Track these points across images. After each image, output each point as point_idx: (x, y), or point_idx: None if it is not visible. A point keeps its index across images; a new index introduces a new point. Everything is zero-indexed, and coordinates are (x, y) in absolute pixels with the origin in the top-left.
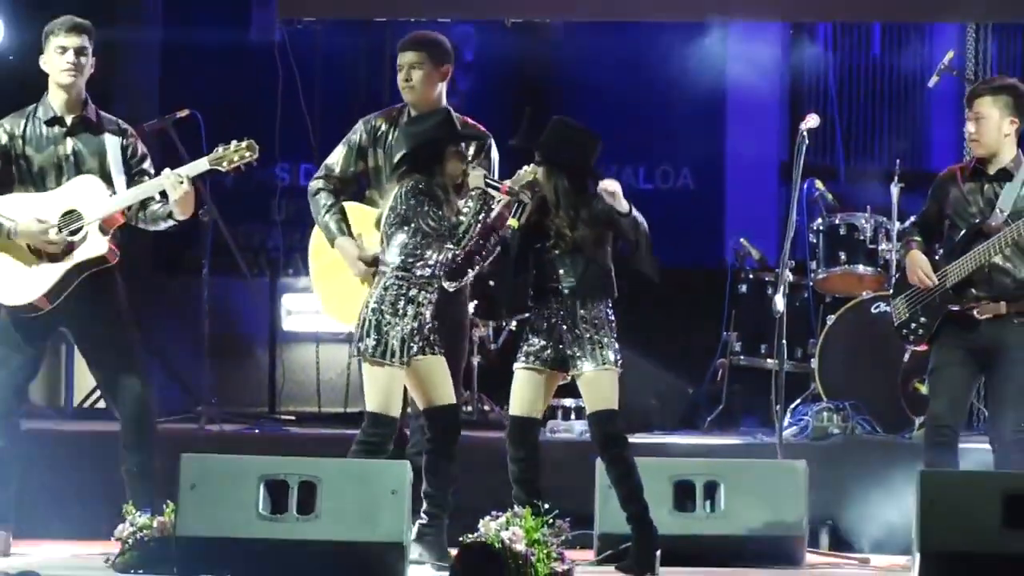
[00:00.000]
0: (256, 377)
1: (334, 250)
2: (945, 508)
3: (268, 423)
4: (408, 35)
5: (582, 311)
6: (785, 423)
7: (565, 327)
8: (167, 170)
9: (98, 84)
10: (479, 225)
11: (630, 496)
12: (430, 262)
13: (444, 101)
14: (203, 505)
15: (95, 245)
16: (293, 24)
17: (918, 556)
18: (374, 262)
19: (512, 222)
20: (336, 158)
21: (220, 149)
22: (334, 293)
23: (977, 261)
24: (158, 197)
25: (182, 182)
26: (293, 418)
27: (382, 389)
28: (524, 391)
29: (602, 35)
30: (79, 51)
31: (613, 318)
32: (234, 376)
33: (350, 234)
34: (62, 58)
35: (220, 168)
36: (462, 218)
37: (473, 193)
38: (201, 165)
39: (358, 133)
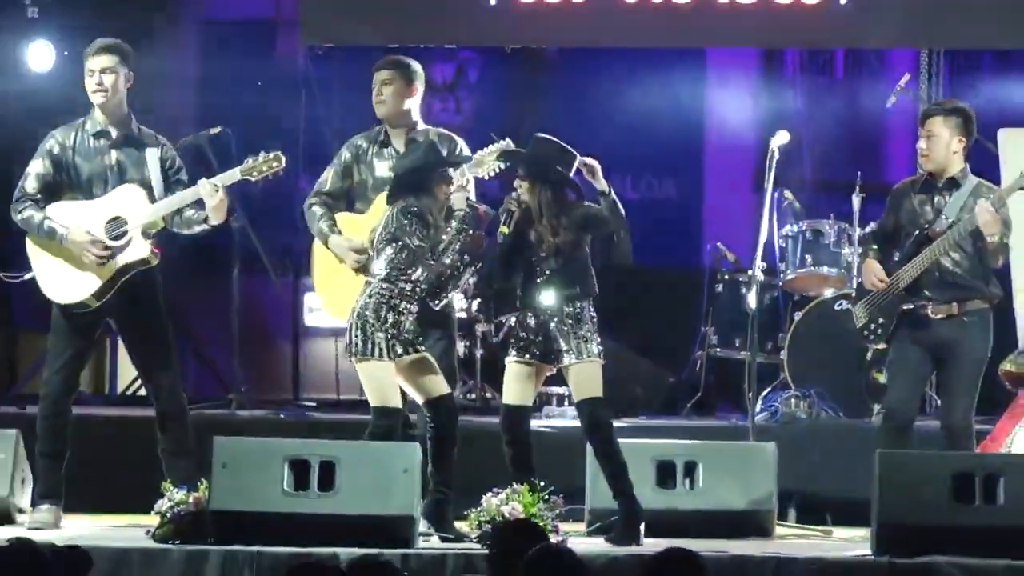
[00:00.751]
0: (281, 367)
1: (329, 253)
2: (900, 485)
3: (292, 409)
4: (383, 58)
5: (566, 308)
6: (757, 409)
7: (552, 324)
8: (203, 179)
9: (140, 100)
10: (459, 243)
11: (615, 475)
12: (413, 277)
13: (417, 118)
14: (234, 482)
15: (138, 249)
16: (315, 50)
17: (875, 527)
18: (364, 251)
19: (502, 228)
20: (326, 178)
21: (250, 160)
22: (335, 294)
23: (925, 263)
24: (193, 204)
25: (217, 190)
26: (314, 404)
27: (377, 384)
28: (514, 383)
29: (594, 60)
30: (105, 71)
31: (594, 314)
32: (261, 367)
33: (340, 234)
34: (91, 80)
35: (251, 177)
36: (443, 236)
37: (457, 213)
38: (234, 175)
39: (342, 154)
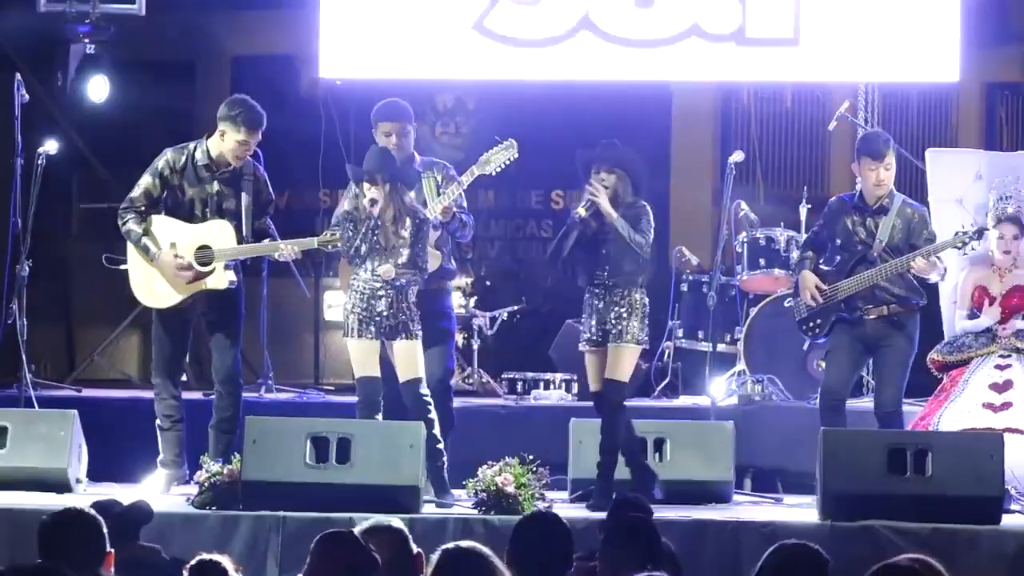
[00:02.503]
0: (304, 356)
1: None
2: (841, 458)
3: (313, 392)
4: (387, 106)
5: (615, 296)
6: (719, 390)
7: (603, 308)
8: (285, 243)
9: (185, 124)
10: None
11: (603, 448)
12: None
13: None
14: (262, 456)
15: (220, 279)
16: (332, 82)
17: (820, 495)
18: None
19: (580, 210)
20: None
21: (327, 234)
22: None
23: (863, 283)
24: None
25: (295, 254)
26: (333, 388)
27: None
28: (590, 370)
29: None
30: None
31: (646, 302)
32: (287, 355)
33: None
34: (241, 148)
35: (325, 248)
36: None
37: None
38: (312, 243)
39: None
